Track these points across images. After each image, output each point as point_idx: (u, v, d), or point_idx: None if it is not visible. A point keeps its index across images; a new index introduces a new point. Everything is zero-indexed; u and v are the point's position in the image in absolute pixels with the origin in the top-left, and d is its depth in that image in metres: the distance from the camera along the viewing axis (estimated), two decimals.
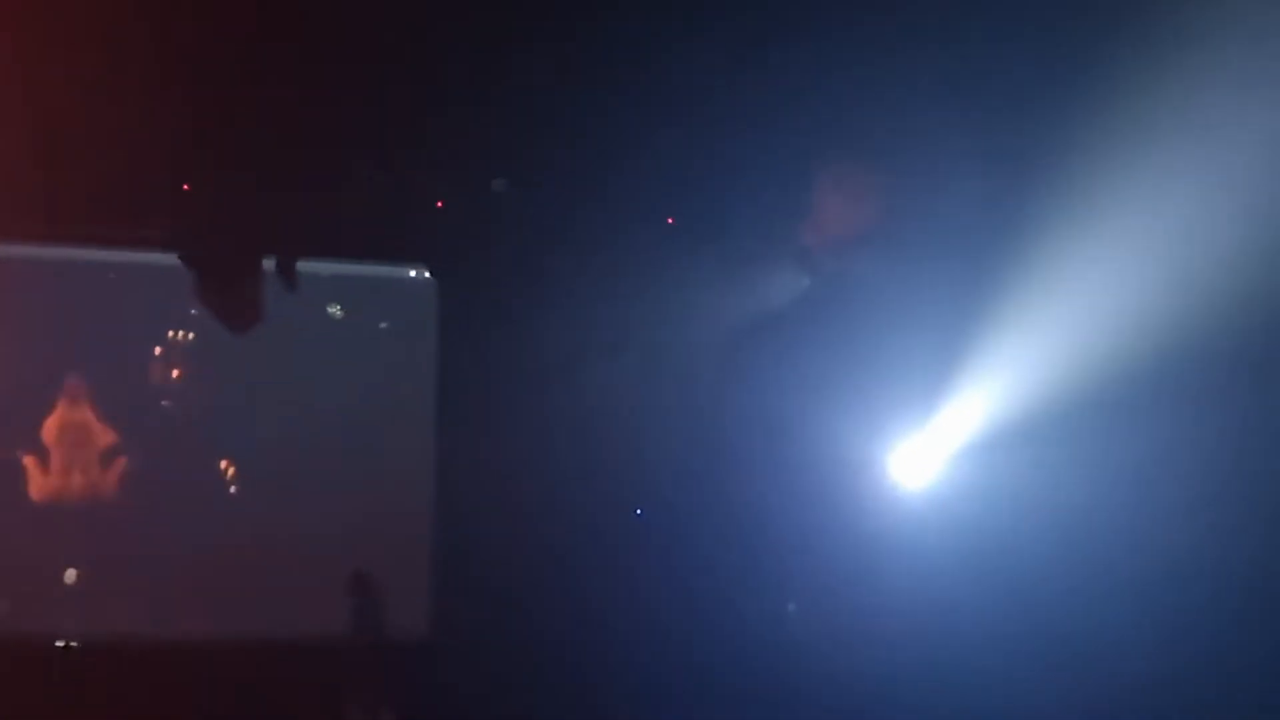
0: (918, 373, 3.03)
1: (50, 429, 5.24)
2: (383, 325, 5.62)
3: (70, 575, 5.13)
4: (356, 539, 5.22)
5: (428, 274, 5.59)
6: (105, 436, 5.30)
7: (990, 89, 3.97)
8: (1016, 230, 3.68)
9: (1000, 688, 3.19)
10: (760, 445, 3.13)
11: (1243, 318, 3.72)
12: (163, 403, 5.38)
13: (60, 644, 5.07)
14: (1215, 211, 3.67)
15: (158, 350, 5.39)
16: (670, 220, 5.41)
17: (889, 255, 2.94)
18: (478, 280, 5.46)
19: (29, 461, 5.21)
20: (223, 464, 5.37)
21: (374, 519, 5.27)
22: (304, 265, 5.33)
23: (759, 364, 3.13)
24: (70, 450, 5.25)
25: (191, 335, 5.40)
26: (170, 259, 5.16)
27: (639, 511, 5.10)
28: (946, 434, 2.96)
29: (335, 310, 5.50)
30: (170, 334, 5.40)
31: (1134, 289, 3.59)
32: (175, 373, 5.39)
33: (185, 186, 5.20)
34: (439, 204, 5.45)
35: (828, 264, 3.09)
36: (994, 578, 3.18)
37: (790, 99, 4.18)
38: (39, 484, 5.21)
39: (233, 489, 5.37)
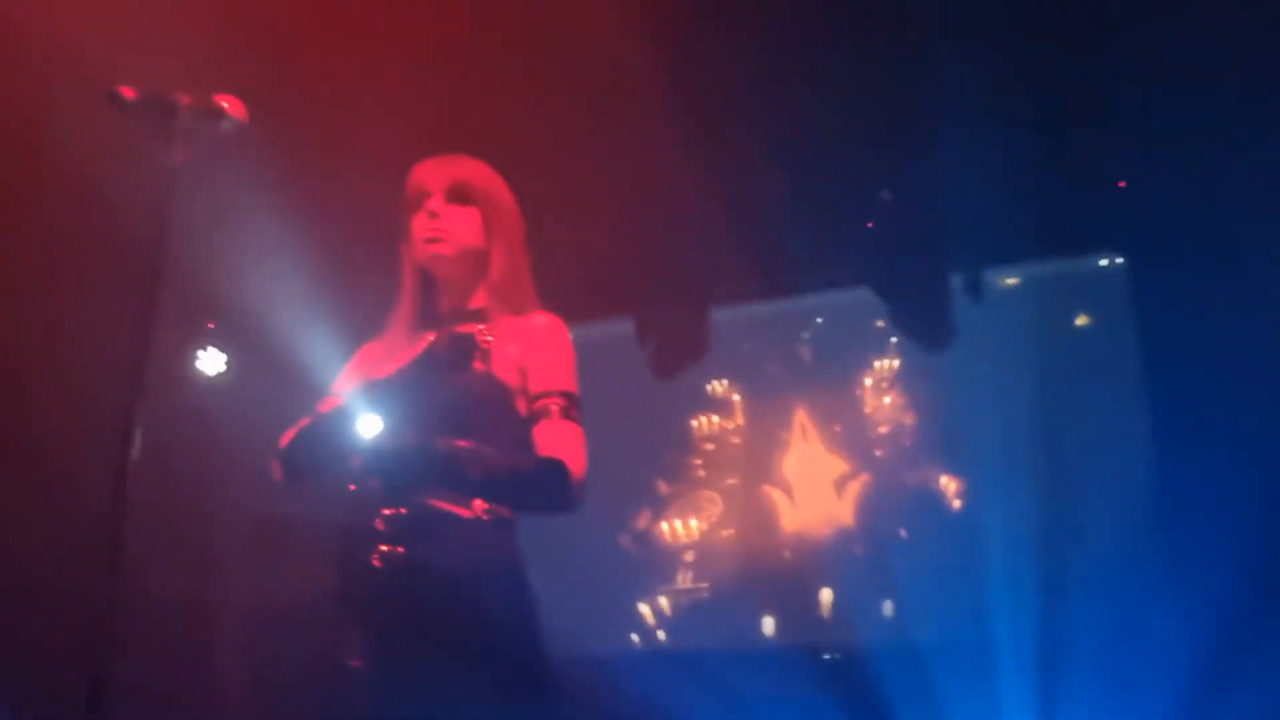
0: None
1: (789, 464, 5.85)
2: (1078, 321, 5.41)
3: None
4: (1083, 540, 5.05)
5: (1119, 259, 5.29)
6: (837, 466, 5.76)
7: None
8: None
9: None
10: None
11: None
12: (880, 429, 5.71)
13: (826, 657, 5.52)
14: None
15: (868, 381, 5.75)
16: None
17: None
18: (1173, 263, 4.98)
19: (776, 495, 5.84)
20: (942, 479, 5.54)
21: (1100, 521, 5.06)
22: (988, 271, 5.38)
23: None
24: (807, 481, 5.79)
25: (896, 361, 5.69)
26: (864, 292, 5.50)
27: None
28: None
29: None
30: (876, 363, 5.74)
31: None
32: (888, 399, 5.70)
33: (869, 224, 5.54)
34: (1121, 184, 5.16)
35: None
36: None
37: None
38: (788, 514, 5.82)
39: (956, 502, 5.51)
